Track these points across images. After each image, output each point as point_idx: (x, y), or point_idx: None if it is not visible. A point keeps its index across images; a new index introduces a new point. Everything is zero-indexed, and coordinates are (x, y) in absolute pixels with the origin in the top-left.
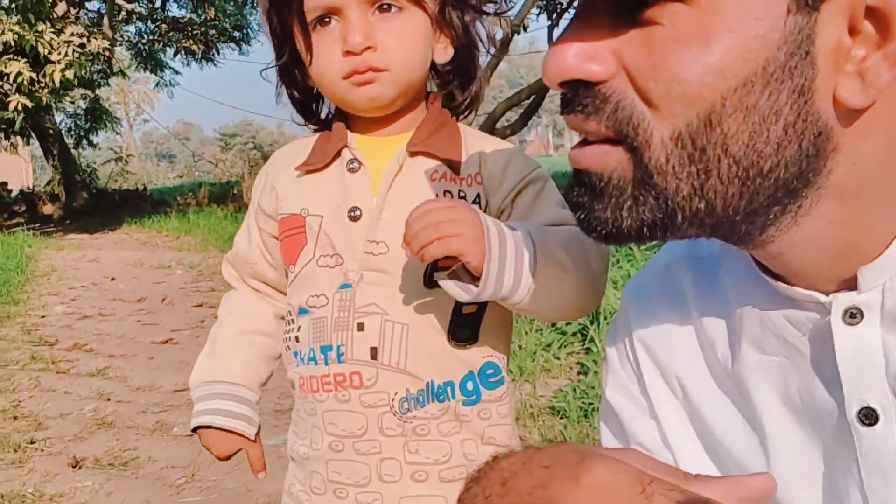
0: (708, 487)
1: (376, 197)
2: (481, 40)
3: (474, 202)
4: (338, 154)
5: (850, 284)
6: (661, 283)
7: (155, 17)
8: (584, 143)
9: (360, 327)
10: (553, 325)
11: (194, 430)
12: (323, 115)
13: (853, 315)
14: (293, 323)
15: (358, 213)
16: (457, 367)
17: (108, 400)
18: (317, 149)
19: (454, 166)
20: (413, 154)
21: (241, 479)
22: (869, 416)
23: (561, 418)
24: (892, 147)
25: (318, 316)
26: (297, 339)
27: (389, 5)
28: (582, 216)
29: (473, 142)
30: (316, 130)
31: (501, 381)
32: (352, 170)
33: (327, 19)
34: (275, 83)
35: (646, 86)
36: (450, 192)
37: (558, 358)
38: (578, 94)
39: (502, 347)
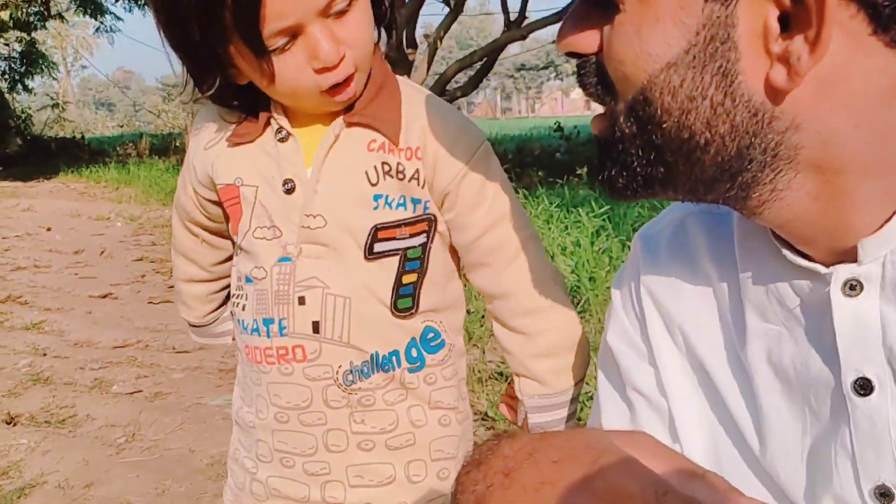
0: (717, 496)
1: (310, 167)
2: None
3: (412, 178)
4: (267, 124)
5: (851, 256)
6: (674, 234)
7: None
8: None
9: (301, 301)
10: None
11: None
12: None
13: (853, 287)
14: (241, 290)
15: (291, 185)
16: (400, 336)
17: (45, 355)
18: (245, 120)
19: (393, 136)
20: (350, 125)
21: (184, 439)
22: (864, 387)
23: (509, 383)
24: (868, 125)
25: (260, 288)
26: (243, 307)
27: (342, 10)
28: (599, 177)
29: (414, 108)
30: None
31: (442, 343)
32: (281, 139)
33: (288, 40)
34: (185, 87)
35: (606, 64)
36: (387, 163)
37: None
38: (579, 65)
39: (441, 310)
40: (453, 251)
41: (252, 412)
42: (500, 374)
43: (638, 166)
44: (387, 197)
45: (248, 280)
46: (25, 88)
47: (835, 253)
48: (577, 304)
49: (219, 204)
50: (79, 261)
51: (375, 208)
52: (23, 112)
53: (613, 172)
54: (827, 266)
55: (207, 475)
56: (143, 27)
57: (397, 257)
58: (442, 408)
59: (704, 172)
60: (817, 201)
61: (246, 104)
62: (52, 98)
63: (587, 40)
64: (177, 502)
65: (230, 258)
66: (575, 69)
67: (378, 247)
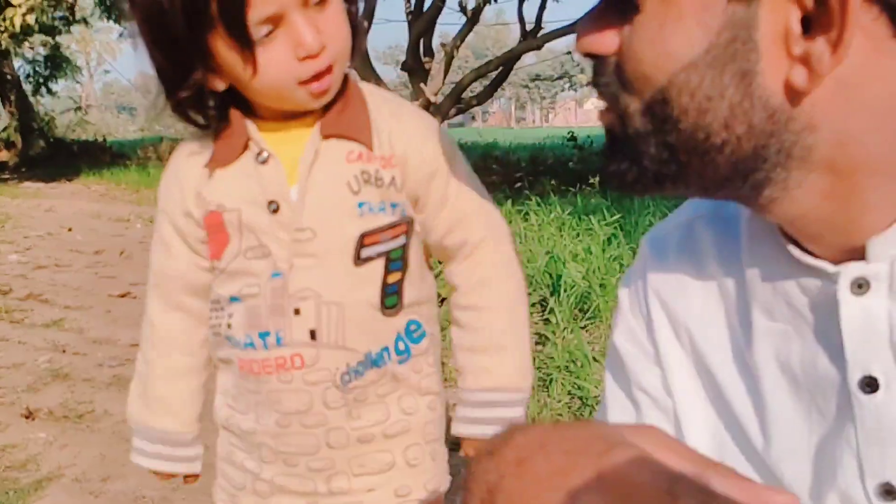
0: (729, 483)
1: (294, 184)
2: None
3: (390, 184)
4: (245, 146)
5: (859, 255)
6: (681, 238)
7: None
8: None
9: (297, 312)
10: None
11: None
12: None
13: (860, 286)
14: (223, 310)
15: (276, 206)
16: (388, 332)
17: (64, 352)
18: (220, 143)
19: (368, 143)
20: (326, 137)
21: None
22: (870, 385)
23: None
24: (886, 127)
25: (252, 304)
26: (229, 325)
27: (320, 1)
28: (605, 167)
29: (380, 114)
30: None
31: (424, 333)
32: (262, 161)
33: (271, 29)
34: (155, 102)
35: (624, 64)
36: (366, 171)
37: None
38: (594, 66)
39: (421, 304)
40: (425, 246)
41: (251, 419)
42: None
43: (650, 164)
44: (369, 204)
45: (233, 299)
46: (49, 92)
47: (843, 251)
48: (588, 310)
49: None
50: (99, 260)
51: (361, 215)
52: (46, 115)
53: (623, 167)
54: (835, 264)
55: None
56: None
57: (382, 260)
58: (430, 393)
59: (718, 172)
60: (828, 200)
61: (215, 122)
62: (74, 101)
63: (606, 41)
64: (191, 497)
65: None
66: (590, 79)
67: (365, 252)
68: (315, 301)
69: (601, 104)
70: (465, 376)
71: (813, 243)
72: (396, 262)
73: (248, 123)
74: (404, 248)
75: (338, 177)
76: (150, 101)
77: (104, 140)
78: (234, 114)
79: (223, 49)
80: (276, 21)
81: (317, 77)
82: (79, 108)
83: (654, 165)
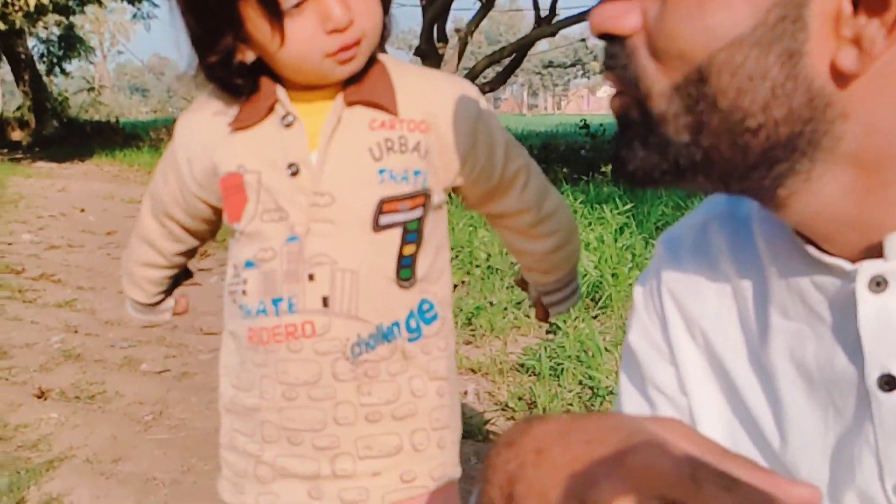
0: (750, 474)
1: (315, 150)
2: None
3: (413, 150)
4: (270, 109)
5: (876, 253)
6: (696, 238)
7: None
8: None
9: (311, 278)
10: None
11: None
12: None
13: (878, 283)
14: (238, 276)
15: (295, 168)
16: (400, 306)
17: (76, 332)
18: (248, 105)
19: (392, 110)
20: (350, 104)
21: (210, 418)
22: (889, 383)
23: (530, 376)
24: None
25: (268, 269)
26: (244, 292)
27: None
28: (615, 161)
29: (404, 79)
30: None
31: (436, 315)
32: (287, 125)
33: (300, 1)
34: (189, 63)
35: (653, 42)
36: (389, 139)
37: (528, 316)
38: (609, 48)
39: (434, 283)
40: (442, 224)
41: (255, 395)
42: (522, 365)
43: (671, 150)
44: (391, 171)
45: (248, 264)
46: (63, 72)
47: (859, 249)
48: (599, 300)
49: (205, 202)
50: (111, 241)
51: (381, 182)
52: (59, 95)
53: (639, 154)
54: (851, 262)
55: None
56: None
57: (399, 229)
58: (438, 378)
59: (746, 159)
60: (850, 194)
61: (247, 87)
62: (88, 82)
63: (628, 20)
64: (201, 480)
65: (191, 251)
66: (603, 62)
67: (383, 219)
68: (330, 267)
69: (611, 89)
70: (550, 269)
71: (828, 241)
72: (412, 233)
73: (277, 87)
74: (420, 220)
75: (359, 143)
76: (185, 65)
77: (117, 121)
78: (265, 80)
79: (253, 17)
80: None
81: (343, 49)
82: (92, 89)
83: (676, 151)
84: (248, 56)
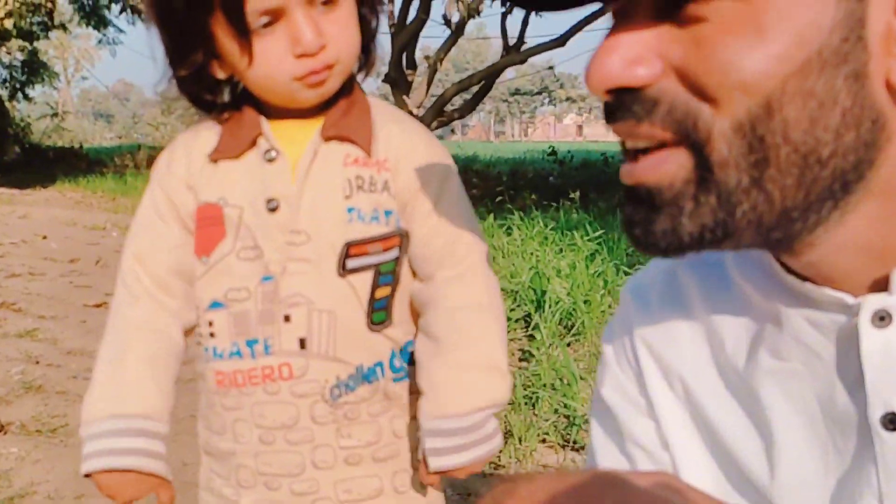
0: None
1: (294, 185)
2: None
3: (383, 189)
4: (253, 142)
5: (880, 286)
6: (664, 284)
7: None
8: (635, 156)
9: (287, 319)
10: None
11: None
12: (221, 99)
13: (882, 318)
14: (201, 318)
15: (275, 203)
16: (383, 346)
17: (37, 363)
18: (227, 135)
19: (367, 148)
20: (327, 139)
21: (178, 452)
22: (894, 421)
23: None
24: None
25: (240, 310)
26: (211, 334)
27: (327, 1)
28: (638, 232)
29: (383, 122)
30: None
31: None
32: (270, 160)
33: (271, 21)
34: (163, 77)
35: (699, 81)
36: (360, 176)
37: None
38: (625, 101)
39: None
40: None
41: (228, 438)
42: None
43: (733, 196)
44: (359, 210)
45: (214, 305)
46: (26, 97)
47: (863, 284)
48: (572, 327)
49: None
50: (74, 269)
51: (349, 221)
52: (22, 120)
53: (686, 218)
54: (854, 296)
55: None
56: (145, 39)
57: (371, 272)
58: None
59: (809, 196)
60: (874, 224)
61: (221, 105)
62: (51, 107)
63: (644, 68)
64: None
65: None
66: (617, 124)
67: (350, 263)
68: (307, 308)
69: (638, 144)
70: (446, 397)
71: (832, 278)
72: (386, 275)
73: (262, 120)
74: (397, 261)
75: (333, 179)
76: (159, 74)
77: (81, 147)
78: (248, 107)
79: (222, 34)
80: (276, 14)
81: (312, 73)
82: (55, 115)
83: (736, 200)
84: (220, 73)
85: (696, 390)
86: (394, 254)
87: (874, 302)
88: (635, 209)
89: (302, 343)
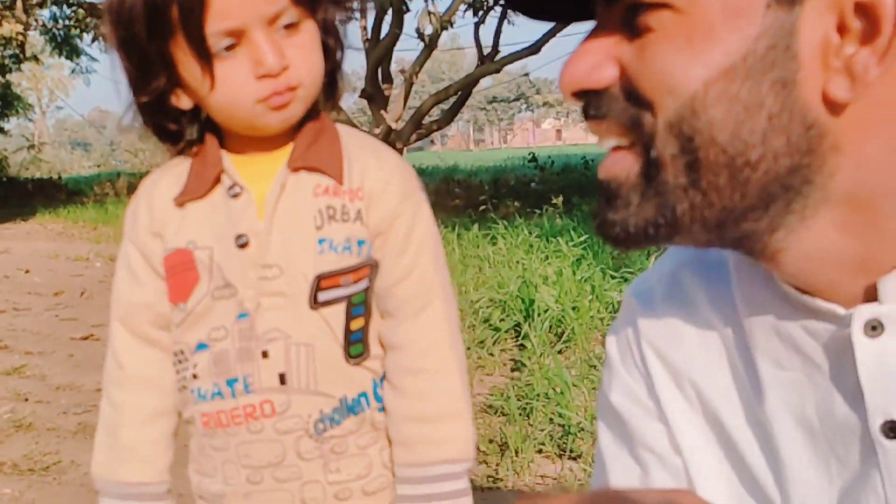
0: None
1: (262, 220)
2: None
3: (356, 219)
4: (217, 180)
5: (871, 296)
6: (668, 287)
7: (71, 1)
8: (608, 153)
9: (265, 355)
10: (486, 320)
11: None
12: (186, 135)
13: (874, 328)
14: (187, 361)
15: (245, 240)
16: (365, 377)
17: (26, 400)
18: (193, 175)
19: (337, 177)
20: (295, 169)
21: (174, 484)
22: (894, 430)
23: (499, 416)
24: None
25: (220, 349)
26: (194, 376)
27: (292, 23)
28: (596, 222)
29: (355, 149)
30: (179, 152)
31: None
32: (234, 196)
33: (232, 45)
34: (127, 109)
35: (639, 84)
36: (332, 206)
37: (492, 354)
38: (591, 102)
39: None
40: None
41: (219, 480)
42: (490, 406)
43: (671, 194)
44: (331, 241)
45: (200, 347)
46: (1, 130)
47: (852, 294)
48: (562, 334)
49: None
50: (59, 302)
51: (321, 252)
52: None
53: (632, 210)
54: (845, 307)
55: None
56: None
57: (343, 304)
58: None
59: (745, 197)
60: (845, 233)
61: (183, 136)
62: (27, 139)
63: (602, 72)
64: None
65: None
66: (588, 121)
67: (322, 296)
68: (284, 342)
69: (607, 143)
70: (412, 449)
71: (820, 288)
72: (359, 306)
73: (223, 154)
74: (366, 291)
75: (303, 211)
76: (125, 115)
77: (59, 177)
78: (210, 142)
79: (183, 58)
80: (237, 36)
81: (276, 94)
82: (32, 146)
83: (675, 197)
84: (184, 102)
85: (709, 394)
86: (364, 284)
87: (865, 312)
88: (599, 201)
89: (282, 378)
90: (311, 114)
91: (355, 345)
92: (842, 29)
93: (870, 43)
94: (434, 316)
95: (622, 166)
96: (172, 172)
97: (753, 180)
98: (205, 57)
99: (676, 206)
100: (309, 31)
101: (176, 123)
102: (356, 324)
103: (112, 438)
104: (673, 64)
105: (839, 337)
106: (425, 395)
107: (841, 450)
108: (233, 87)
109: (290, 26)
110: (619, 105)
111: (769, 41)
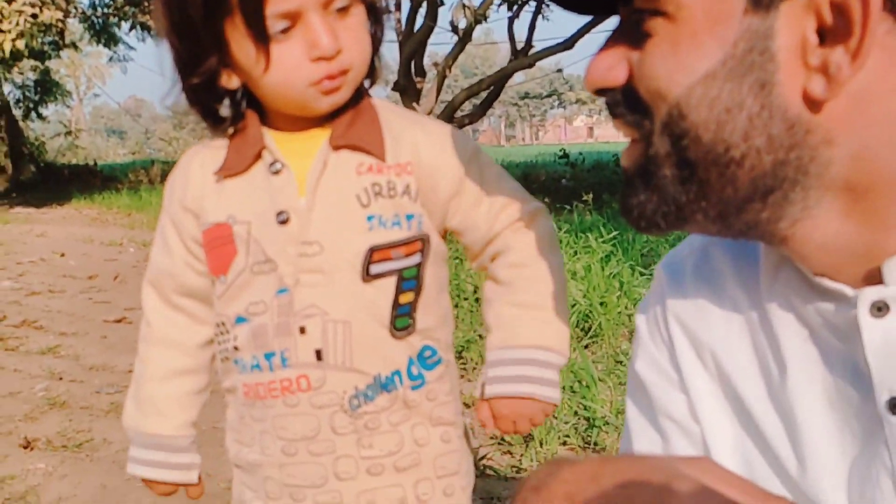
0: None
1: (303, 196)
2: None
3: (403, 193)
4: (257, 156)
5: (876, 278)
6: (698, 262)
7: None
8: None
9: (303, 331)
10: None
11: None
12: (226, 114)
13: (880, 308)
14: (228, 333)
15: (285, 216)
16: (400, 355)
17: (61, 379)
18: (233, 151)
19: (380, 154)
20: (336, 148)
21: (203, 465)
22: None
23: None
24: None
25: (259, 323)
26: (235, 348)
27: (343, 6)
28: (620, 205)
29: (398, 124)
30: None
31: (439, 360)
32: (275, 172)
33: (288, 27)
34: (172, 89)
35: (638, 87)
36: (377, 183)
37: None
38: (609, 99)
39: (436, 328)
40: (444, 267)
41: (256, 450)
42: None
43: (671, 187)
44: (380, 217)
45: (239, 320)
46: (39, 116)
47: (860, 276)
48: (589, 329)
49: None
50: (93, 286)
51: (370, 229)
52: (36, 139)
53: (643, 198)
54: (853, 288)
55: (224, 499)
56: (155, 56)
57: (394, 277)
58: (443, 423)
59: (738, 191)
60: (848, 220)
61: (230, 119)
62: (64, 126)
63: (616, 72)
64: None
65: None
66: (611, 116)
67: (374, 268)
68: (321, 319)
69: (625, 138)
70: (509, 329)
71: (831, 272)
72: (409, 280)
73: (264, 131)
74: (419, 266)
75: (346, 189)
76: (168, 87)
77: (95, 164)
78: (251, 119)
79: (238, 39)
80: (293, 18)
81: (328, 78)
82: (69, 133)
83: (674, 189)
84: (233, 81)
85: (728, 367)
86: (416, 259)
87: (871, 294)
88: (623, 186)
89: (318, 354)
90: (354, 94)
91: (402, 318)
92: (820, 29)
93: (843, 42)
94: (537, 225)
95: (630, 156)
96: (211, 148)
97: (741, 175)
98: (262, 38)
99: (678, 198)
100: (359, 15)
101: (220, 103)
102: (405, 297)
103: (137, 391)
104: (662, 69)
105: (847, 317)
106: (529, 287)
107: (853, 423)
108: (287, 69)
109: (342, 10)
110: (629, 102)
111: (746, 45)
